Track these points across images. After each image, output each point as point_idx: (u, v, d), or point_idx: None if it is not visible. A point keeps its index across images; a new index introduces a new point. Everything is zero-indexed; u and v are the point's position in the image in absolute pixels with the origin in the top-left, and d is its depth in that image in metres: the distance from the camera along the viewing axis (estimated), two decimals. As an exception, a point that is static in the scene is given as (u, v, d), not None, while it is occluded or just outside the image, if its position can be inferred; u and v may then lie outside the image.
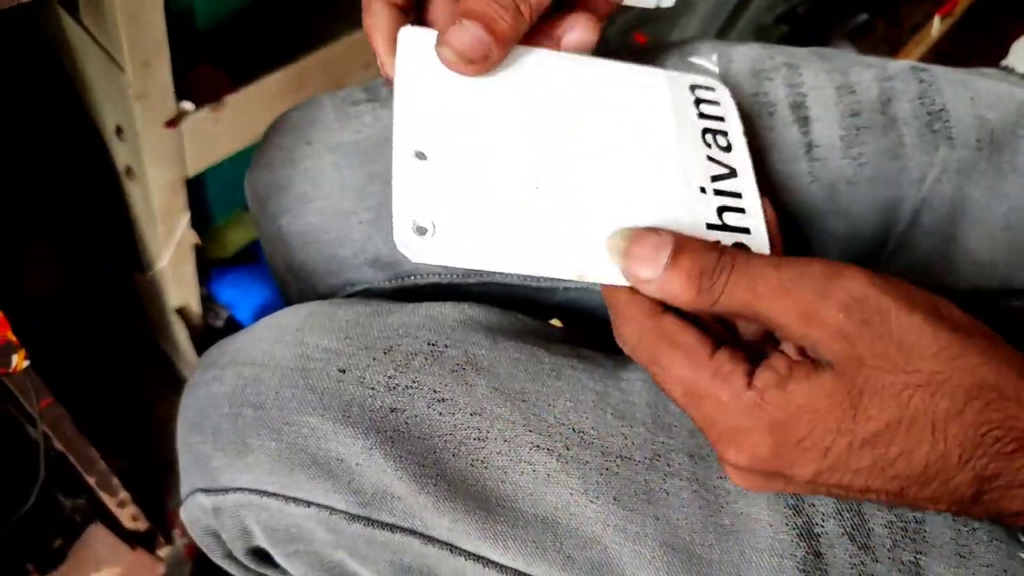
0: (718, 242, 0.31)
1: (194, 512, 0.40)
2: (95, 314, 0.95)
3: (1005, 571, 0.35)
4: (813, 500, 0.36)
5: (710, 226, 0.35)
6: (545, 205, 0.34)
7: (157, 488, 0.94)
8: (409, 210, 0.32)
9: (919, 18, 1.34)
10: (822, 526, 0.35)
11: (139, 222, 0.79)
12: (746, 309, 0.29)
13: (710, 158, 0.38)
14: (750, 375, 0.29)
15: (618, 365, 0.40)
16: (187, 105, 0.67)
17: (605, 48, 0.40)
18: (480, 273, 0.45)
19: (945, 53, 1.13)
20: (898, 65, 0.46)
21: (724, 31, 1.19)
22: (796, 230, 0.44)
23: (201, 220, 0.86)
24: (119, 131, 0.68)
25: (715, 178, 0.37)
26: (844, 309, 0.28)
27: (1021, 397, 0.27)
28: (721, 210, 0.36)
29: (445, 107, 0.35)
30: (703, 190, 0.36)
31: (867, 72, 0.45)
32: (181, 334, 0.91)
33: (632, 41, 1.23)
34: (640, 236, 0.31)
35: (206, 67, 0.71)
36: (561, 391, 0.38)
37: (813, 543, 0.35)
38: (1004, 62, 0.53)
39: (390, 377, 0.37)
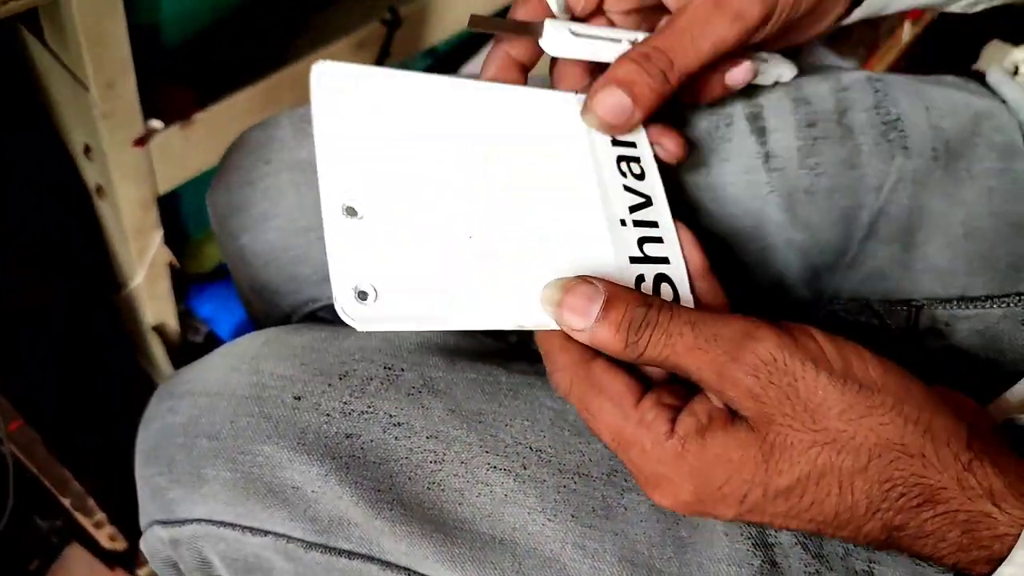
0: (647, 296, 0.32)
1: (153, 544, 0.40)
2: (75, 333, 0.94)
3: None
4: None
5: (633, 259, 0.35)
6: (480, 256, 0.33)
7: (135, 507, 0.94)
8: (347, 274, 0.30)
9: (895, 20, 1.35)
10: (776, 536, 0.35)
11: (111, 240, 0.79)
12: (668, 363, 0.30)
13: (626, 187, 0.37)
14: (673, 421, 0.30)
15: None
16: (155, 123, 0.67)
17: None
18: None
19: (917, 57, 1.14)
20: (853, 76, 0.46)
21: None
22: (758, 240, 0.44)
23: (177, 236, 0.86)
24: (87, 150, 0.67)
25: (633, 208, 0.37)
26: (754, 371, 0.29)
27: (925, 454, 0.28)
28: (641, 241, 0.36)
29: (370, 153, 0.33)
30: (623, 223, 0.36)
31: (823, 84, 0.45)
32: (159, 351, 0.91)
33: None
34: (572, 287, 0.31)
35: (175, 85, 0.70)
36: (518, 410, 0.38)
37: (768, 552, 0.35)
38: (975, 67, 0.53)
39: (345, 403, 0.37)
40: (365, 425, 0.36)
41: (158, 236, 0.78)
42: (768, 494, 0.29)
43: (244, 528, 0.36)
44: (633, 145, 0.38)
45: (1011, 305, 0.41)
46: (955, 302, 0.42)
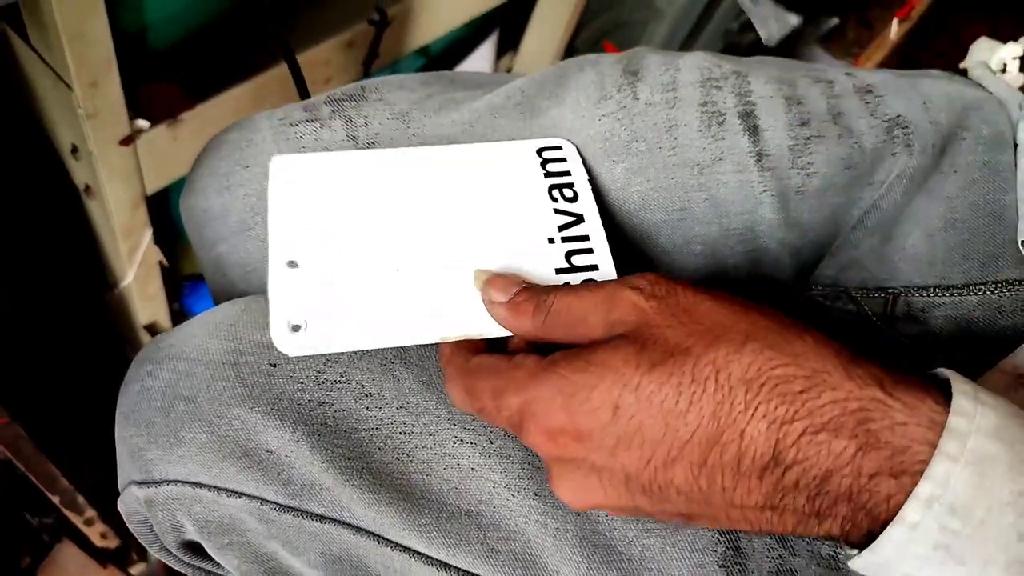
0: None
1: (130, 505, 0.40)
2: (65, 332, 0.95)
3: None
4: None
5: (559, 270, 0.39)
6: (405, 284, 0.38)
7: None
8: (283, 313, 0.36)
9: (889, 20, 1.35)
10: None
11: (102, 240, 0.79)
12: (571, 313, 0.32)
13: (556, 210, 0.42)
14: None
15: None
16: (142, 123, 0.67)
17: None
18: None
19: (905, 55, 1.14)
20: (843, 85, 0.45)
21: (691, 37, 1.19)
22: (748, 242, 0.44)
23: (169, 236, 0.87)
24: (74, 150, 0.68)
25: (562, 227, 0.41)
26: (638, 287, 0.31)
27: (806, 346, 0.28)
28: (569, 254, 0.40)
29: (314, 221, 0.40)
30: (551, 240, 0.41)
31: (814, 87, 0.44)
32: (150, 350, 0.91)
33: (601, 49, 1.23)
34: (497, 275, 0.36)
35: (161, 84, 0.71)
36: None
37: (733, 538, 0.35)
38: (962, 64, 0.53)
39: (319, 371, 0.37)
40: (338, 394, 0.37)
41: (148, 235, 0.78)
42: (641, 396, 0.28)
43: (219, 489, 0.36)
44: (567, 173, 0.44)
45: (987, 293, 0.41)
46: (932, 289, 0.42)
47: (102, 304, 0.91)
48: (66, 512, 0.77)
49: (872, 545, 0.26)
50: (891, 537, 0.26)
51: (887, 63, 1.19)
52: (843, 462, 0.26)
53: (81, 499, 0.76)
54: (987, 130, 0.43)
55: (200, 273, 0.98)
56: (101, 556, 0.87)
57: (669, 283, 0.31)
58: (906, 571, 0.26)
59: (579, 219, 0.42)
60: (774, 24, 0.40)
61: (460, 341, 0.36)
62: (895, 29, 1.04)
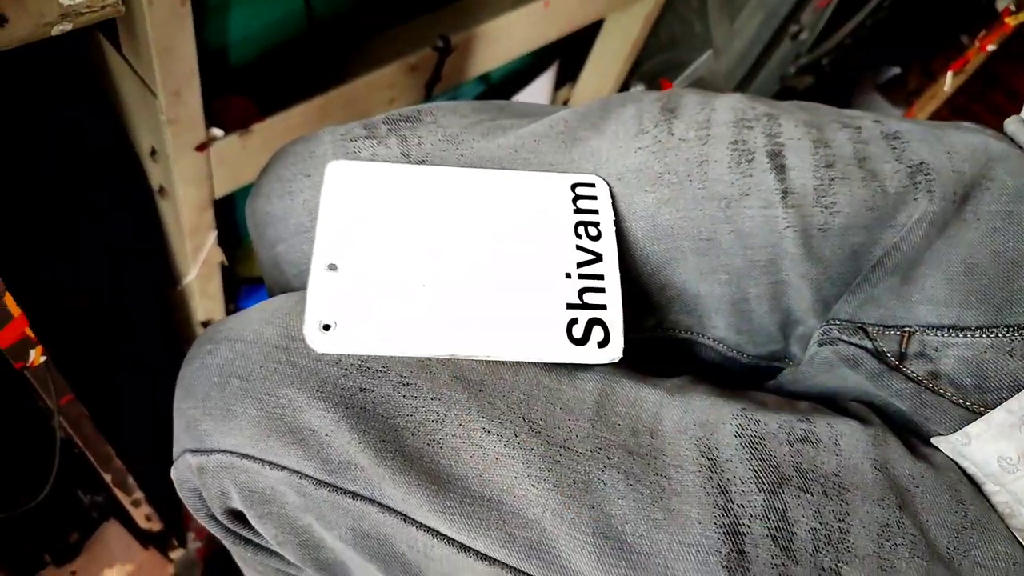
0: None
1: (183, 472, 0.44)
2: (131, 325, 1.00)
3: None
4: (742, 502, 0.38)
5: (570, 305, 0.42)
6: (429, 300, 0.41)
7: (174, 491, 0.98)
8: (317, 312, 0.40)
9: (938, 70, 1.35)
10: (748, 526, 0.37)
11: (170, 238, 0.84)
12: None
13: (579, 247, 0.45)
14: None
15: (577, 368, 0.43)
16: (216, 131, 0.72)
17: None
18: None
19: (960, 108, 1.14)
20: (871, 131, 0.47)
21: (748, 79, 1.21)
22: (772, 274, 0.46)
23: (231, 239, 0.92)
24: (153, 153, 0.73)
25: (581, 264, 0.44)
26: None
27: None
28: (582, 291, 0.43)
29: (358, 227, 0.43)
30: (568, 275, 0.43)
31: (841, 132, 0.47)
32: (205, 346, 0.96)
33: (659, 86, 1.26)
34: None
35: (237, 97, 0.76)
36: (517, 384, 0.41)
37: (738, 541, 0.37)
38: (1021, 115, 0.54)
39: (363, 361, 0.40)
40: (378, 382, 0.40)
41: (212, 236, 0.83)
42: None
43: (263, 462, 0.40)
44: (596, 212, 0.46)
45: (1000, 335, 0.42)
46: (947, 330, 0.44)
47: (164, 300, 0.96)
48: (116, 491, 0.81)
49: None
50: None
51: (939, 114, 1.19)
52: None
53: (131, 480, 0.81)
54: (1011, 181, 0.44)
55: (256, 277, 1.03)
56: (144, 538, 0.91)
57: None
58: None
59: (598, 258, 0.44)
60: None
61: None
62: (949, 81, 1.05)
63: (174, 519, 0.96)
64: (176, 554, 0.96)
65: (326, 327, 0.40)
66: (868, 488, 0.39)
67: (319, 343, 0.40)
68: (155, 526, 0.91)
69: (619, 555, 0.37)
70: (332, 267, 0.42)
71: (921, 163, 0.45)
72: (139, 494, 0.84)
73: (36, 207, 0.83)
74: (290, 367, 0.40)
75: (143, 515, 0.88)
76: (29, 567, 0.85)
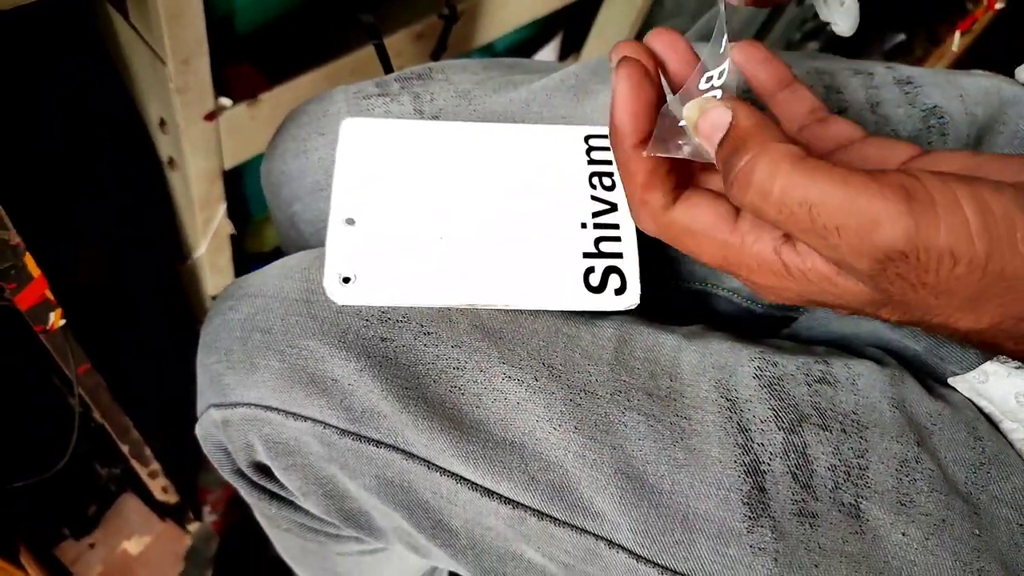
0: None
1: (207, 427, 0.44)
2: (143, 298, 1.01)
3: (943, 520, 0.37)
4: (762, 440, 0.38)
5: (586, 254, 0.42)
6: (446, 251, 0.42)
7: (191, 467, 0.99)
8: (336, 266, 0.41)
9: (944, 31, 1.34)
10: (768, 464, 0.38)
11: (180, 211, 0.85)
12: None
13: (593, 197, 0.45)
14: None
15: (595, 315, 0.43)
16: (225, 100, 0.72)
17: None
18: None
19: (966, 67, 1.13)
20: (883, 76, 0.47)
21: (753, 47, 1.21)
22: None
23: (240, 215, 0.92)
24: (162, 123, 0.73)
25: (596, 214, 0.44)
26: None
27: None
28: (598, 240, 0.43)
29: (374, 183, 0.44)
30: (584, 225, 0.44)
31: (854, 79, 0.47)
32: (217, 320, 0.97)
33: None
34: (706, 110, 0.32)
35: (244, 66, 0.76)
36: (536, 331, 0.41)
37: (758, 479, 0.38)
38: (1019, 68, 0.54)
39: (383, 311, 0.41)
40: (399, 331, 0.40)
41: (222, 208, 0.83)
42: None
43: (287, 413, 0.40)
44: (609, 163, 0.46)
45: None
46: None
47: (175, 275, 0.96)
48: (133, 462, 0.82)
49: None
50: None
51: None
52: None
53: (148, 451, 0.81)
54: None
55: (265, 253, 1.03)
56: (161, 510, 0.92)
57: None
58: None
59: (613, 207, 0.44)
60: (844, 15, 0.40)
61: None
62: (956, 41, 1.04)
63: (190, 493, 0.97)
64: (193, 526, 0.96)
65: (345, 280, 0.40)
66: (886, 426, 0.39)
67: (339, 295, 0.40)
68: (171, 498, 0.92)
69: (641, 494, 0.37)
70: (350, 221, 0.42)
71: (934, 107, 0.45)
72: (156, 465, 0.84)
73: (41, 179, 0.84)
74: (311, 319, 0.41)
75: (160, 487, 0.89)
76: (48, 539, 0.86)
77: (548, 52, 1.18)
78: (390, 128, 0.46)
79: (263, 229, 1.01)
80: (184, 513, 0.95)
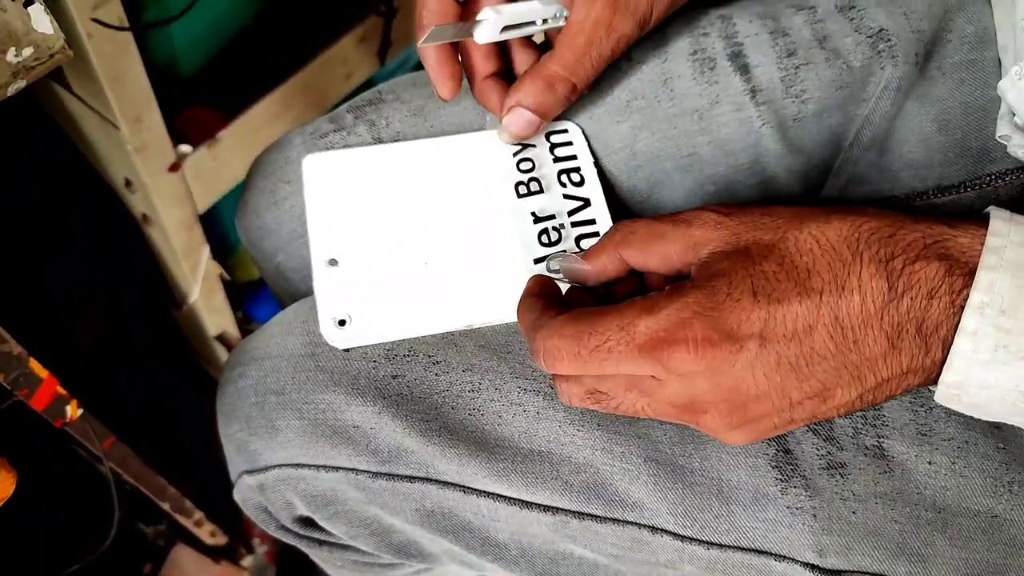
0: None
1: (245, 493, 0.45)
2: (147, 352, 1.01)
3: (967, 442, 0.38)
4: None
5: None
6: (434, 276, 0.42)
7: (233, 506, 1.00)
8: (329, 309, 0.40)
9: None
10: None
11: (165, 263, 0.84)
12: (644, 242, 0.35)
13: (566, 196, 0.45)
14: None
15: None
16: (185, 148, 0.71)
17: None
18: None
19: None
20: (825, 6, 0.46)
21: None
22: (758, 173, 0.46)
23: (223, 248, 0.91)
24: (128, 183, 0.73)
25: (571, 212, 0.44)
26: (711, 210, 0.33)
27: (871, 212, 0.31)
28: (579, 239, 0.43)
29: (348, 218, 0.43)
30: (561, 226, 0.44)
31: (797, 17, 0.46)
32: (224, 358, 0.97)
33: None
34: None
35: (196, 109, 0.75)
36: None
37: (781, 441, 0.38)
38: None
39: (389, 349, 0.41)
40: (408, 366, 0.41)
41: (206, 252, 0.83)
42: (769, 283, 0.30)
43: (317, 467, 0.41)
44: (574, 157, 0.46)
45: (983, 186, 0.43)
46: (932, 192, 0.44)
47: (174, 322, 0.96)
48: (177, 517, 0.83)
49: (945, 365, 0.30)
50: (959, 350, 0.29)
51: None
52: (937, 283, 0.29)
53: (188, 503, 0.82)
54: (971, 28, 0.44)
55: (256, 279, 1.03)
56: (213, 552, 0.93)
57: (729, 205, 0.34)
58: (978, 381, 0.29)
59: (586, 203, 0.44)
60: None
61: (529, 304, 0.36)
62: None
63: (237, 530, 0.98)
64: (247, 561, 0.98)
65: (341, 322, 0.40)
66: None
67: (338, 339, 0.40)
68: (220, 540, 0.93)
69: (674, 477, 0.38)
70: (333, 262, 0.42)
71: (881, 30, 0.44)
72: (199, 514, 0.85)
73: (17, 262, 0.83)
74: (320, 372, 0.41)
75: (207, 532, 0.90)
76: (112, 606, 0.87)
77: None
78: (351, 158, 0.46)
79: (249, 258, 1.01)
80: (236, 551, 0.96)
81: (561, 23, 0.42)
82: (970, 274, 0.29)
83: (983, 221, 0.30)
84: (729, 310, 0.30)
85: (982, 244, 0.29)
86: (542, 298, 0.35)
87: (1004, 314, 0.28)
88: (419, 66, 0.46)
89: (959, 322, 0.29)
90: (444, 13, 0.42)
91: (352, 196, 0.44)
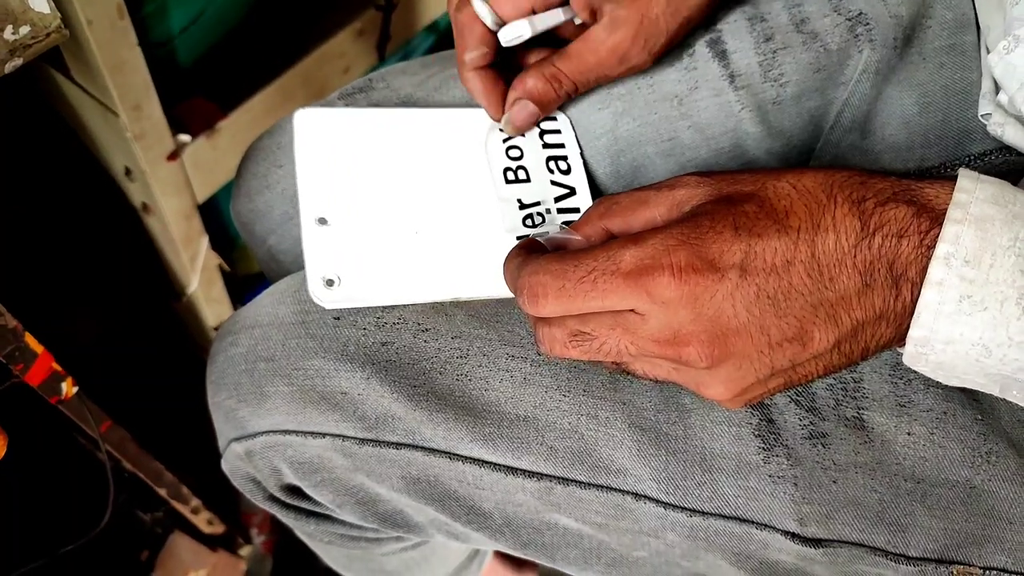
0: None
1: (232, 462, 0.46)
2: (147, 342, 1.01)
3: (945, 413, 0.38)
4: None
5: None
6: (425, 246, 0.42)
7: (231, 495, 1.01)
8: (318, 268, 0.40)
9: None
10: (771, 397, 0.39)
11: (164, 252, 0.85)
12: (628, 209, 0.35)
13: (553, 182, 0.45)
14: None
15: None
16: (184, 137, 0.72)
17: None
18: None
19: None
20: None
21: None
22: (739, 157, 0.47)
23: (224, 242, 0.92)
24: (128, 172, 0.74)
25: (558, 199, 0.45)
26: (692, 174, 0.34)
27: (838, 172, 0.33)
28: (563, 225, 0.43)
29: (339, 177, 0.43)
30: (548, 211, 0.45)
31: (777, 1, 0.47)
32: (224, 350, 0.98)
33: None
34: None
35: (196, 99, 0.76)
36: None
37: (765, 411, 0.39)
38: None
39: (379, 317, 0.42)
40: (397, 333, 0.41)
41: (205, 242, 0.84)
42: (752, 226, 0.31)
43: (305, 433, 0.41)
44: (562, 145, 0.47)
45: (963, 167, 0.43)
46: (912, 174, 0.45)
47: (173, 313, 0.97)
48: (174, 503, 0.84)
49: (912, 320, 0.30)
50: (925, 302, 0.30)
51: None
52: (906, 224, 0.31)
53: (185, 490, 0.83)
54: (950, 14, 0.45)
55: (256, 273, 1.04)
56: (211, 541, 0.94)
57: (707, 171, 0.35)
58: (944, 336, 0.30)
59: (572, 191, 0.45)
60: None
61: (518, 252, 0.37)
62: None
63: (235, 519, 0.99)
64: (245, 551, 0.98)
65: (329, 282, 0.40)
66: None
67: (326, 299, 0.40)
68: (218, 529, 0.94)
69: (657, 444, 0.39)
70: (322, 221, 0.42)
71: (860, 14, 0.45)
72: (196, 501, 0.86)
73: (17, 248, 0.84)
74: (310, 339, 0.41)
75: (204, 520, 0.90)
76: (108, 593, 0.88)
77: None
78: (344, 117, 0.46)
79: (249, 252, 1.02)
80: (234, 540, 0.97)
81: (578, 21, 0.44)
82: (937, 218, 0.30)
83: (952, 180, 0.31)
84: (712, 241, 0.31)
85: (949, 196, 0.30)
86: (527, 250, 0.36)
87: (968, 264, 0.29)
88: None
89: (927, 266, 0.30)
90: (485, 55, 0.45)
91: (344, 156, 0.44)
